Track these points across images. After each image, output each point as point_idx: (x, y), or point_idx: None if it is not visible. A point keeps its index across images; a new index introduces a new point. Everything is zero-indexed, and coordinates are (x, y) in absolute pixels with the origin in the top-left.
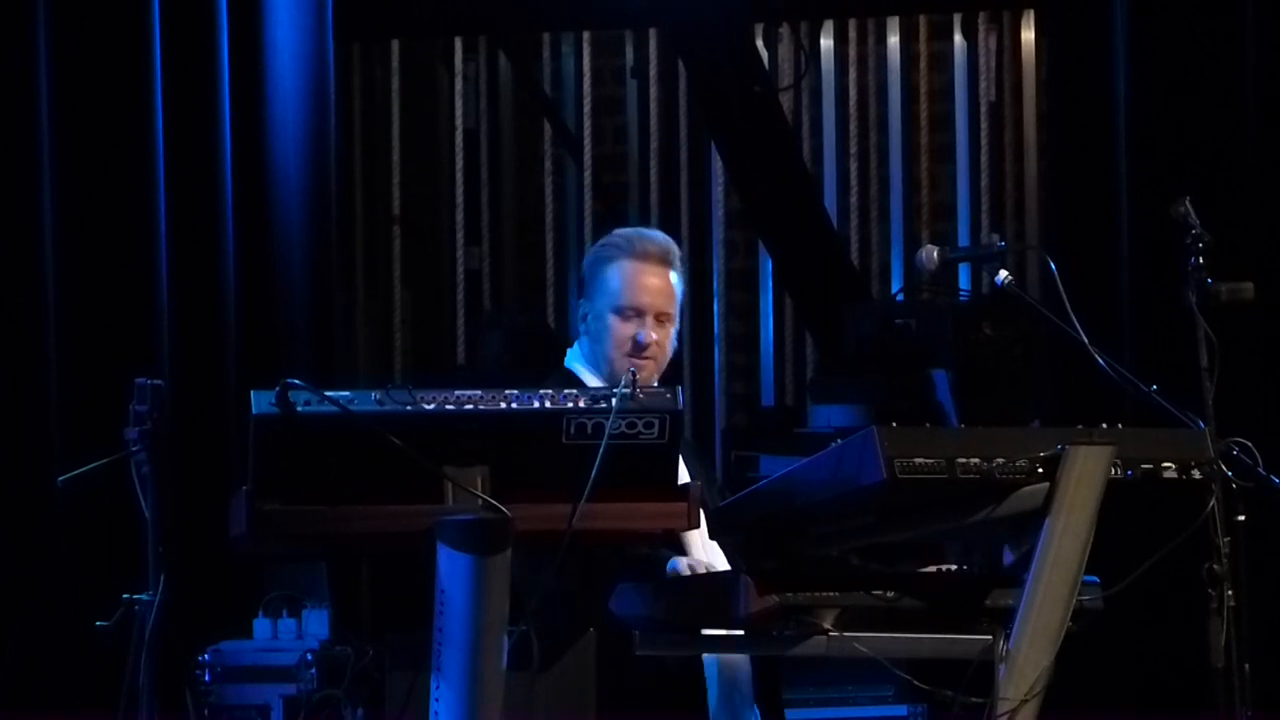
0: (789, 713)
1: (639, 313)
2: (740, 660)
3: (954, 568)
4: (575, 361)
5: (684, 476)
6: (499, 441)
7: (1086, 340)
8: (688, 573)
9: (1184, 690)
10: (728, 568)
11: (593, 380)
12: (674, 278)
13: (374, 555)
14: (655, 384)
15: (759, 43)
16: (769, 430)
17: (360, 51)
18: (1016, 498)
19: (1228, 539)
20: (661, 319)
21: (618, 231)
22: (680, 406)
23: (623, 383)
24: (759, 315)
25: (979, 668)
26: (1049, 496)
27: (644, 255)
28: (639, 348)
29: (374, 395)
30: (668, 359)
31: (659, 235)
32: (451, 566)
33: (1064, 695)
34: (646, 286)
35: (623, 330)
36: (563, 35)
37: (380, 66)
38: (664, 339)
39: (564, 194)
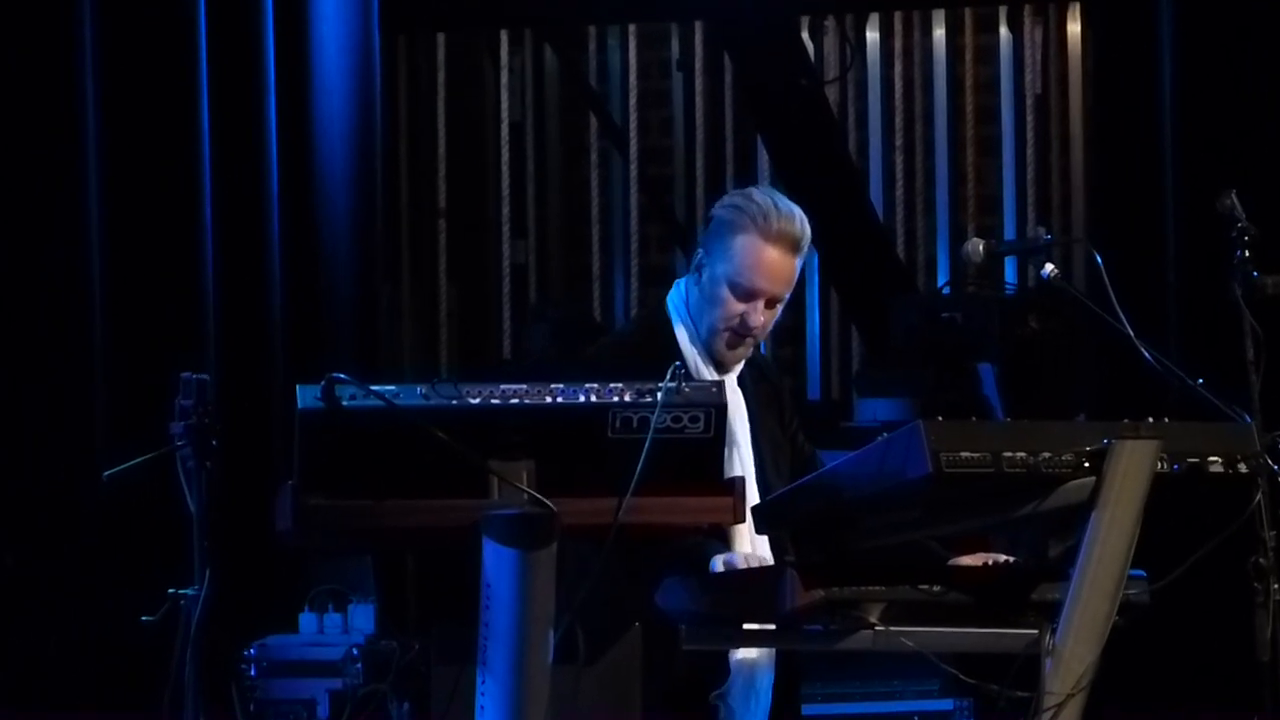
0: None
1: (755, 295)
2: (762, 658)
3: (1003, 558)
4: (678, 303)
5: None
6: (544, 435)
7: (1132, 333)
8: (723, 569)
9: (1229, 684)
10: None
11: (682, 334)
12: (799, 261)
13: (419, 550)
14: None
15: (804, 35)
16: (815, 424)
17: (406, 44)
18: (1062, 492)
19: (1274, 533)
20: (773, 302)
21: (755, 195)
22: (725, 400)
23: (668, 377)
24: (805, 309)
25: (1025, 662)
26: (1095, 490)
27: (777, 238)
28: (745, 328)
29: (419, 389)
30: (767, 333)
31: (796, 215)
32: (497, 561)
33: (1110, 690)
34: (769, 272)
35: (733, 307)
36: (609, 28)
37: (426, 59)
38: (769, 320)
39: (610, 187)
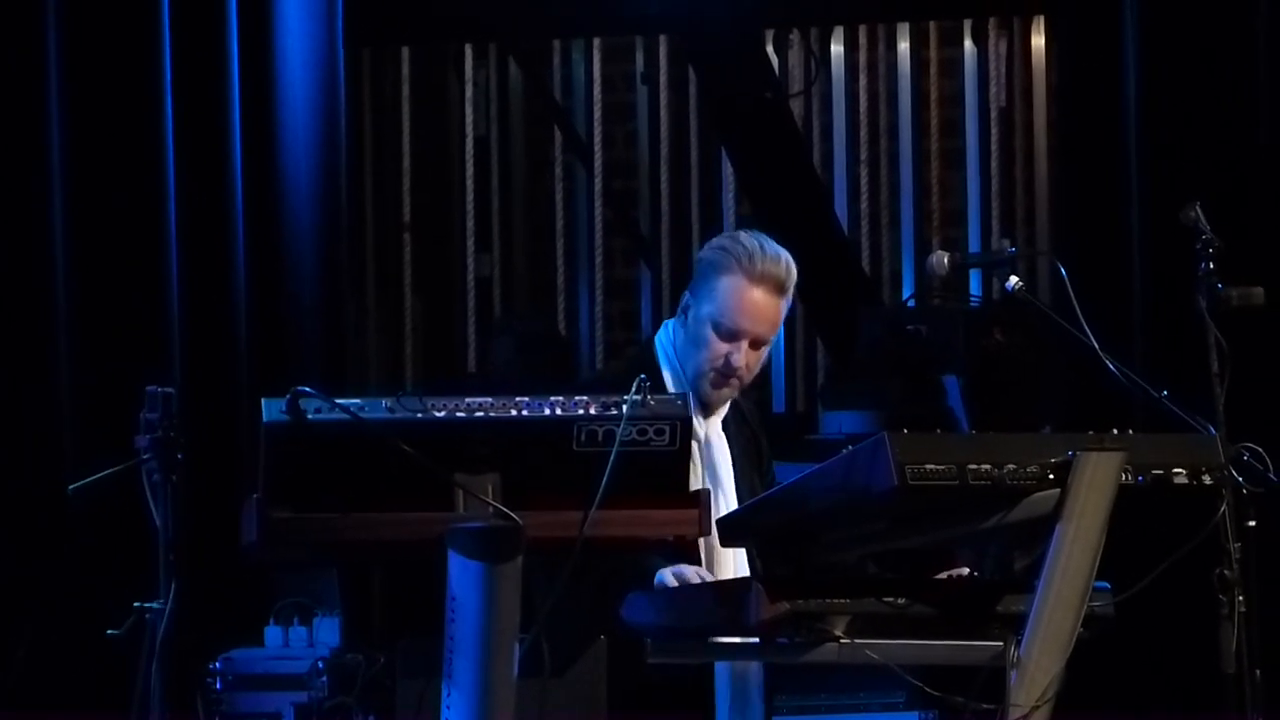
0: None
1: (738, 336)
2: (753, 664)
3: (966, 571)
4: (665, 345)
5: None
6: (510, 448)
7: (1097, 346)
8: (674, 583)
9: (1195, 696)
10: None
11: (668, 376)
12: (784, 304)
13: (385, 563)
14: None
15: (769, 49)
16: (780, 436)
17: (370, 58)
18: (1027, 504)
19: (1238, 544)
20: (758, 343)
21: (744, 239)
22: (690, 413)
23: (633, 390)
24: None
25: (990, 674)
26: (1060, 502)
27: (761, 279)
28: (729, 369)
29: (385, 403)
30: (754, 375)
31: (782, 258)
32: (463, 574)
33: (1075, 701)
34: (753, 313)
35: (717, 348)
36: (573, 42)
37: (390, 73)
38: (754, 362)
39: (574, 200)
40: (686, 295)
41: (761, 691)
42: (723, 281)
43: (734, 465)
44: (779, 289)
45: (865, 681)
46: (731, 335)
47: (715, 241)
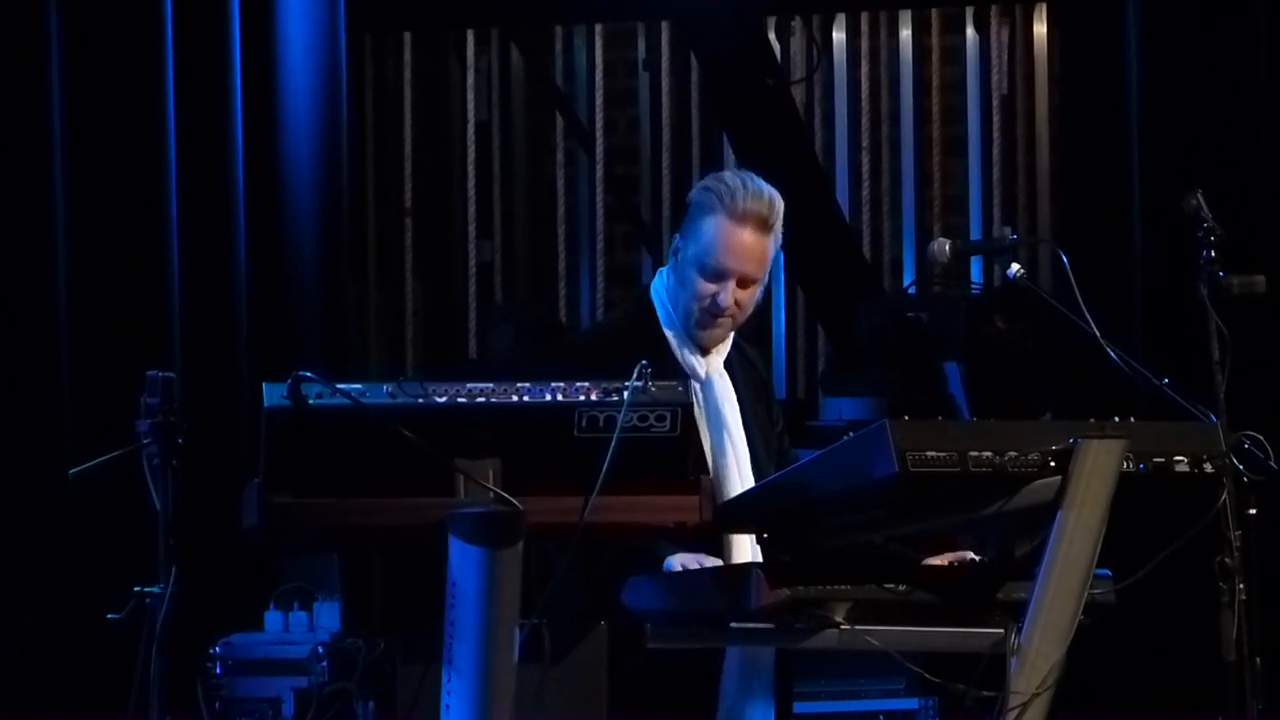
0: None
1: (724, 275)
2: (763, 651)
3: (971, 556)
4: (660, 292)
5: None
6: (511, 434)
7: (1098, 333)
8: (680, 569)
9: (1195, 684)
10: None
11: (663, 320)
12: (770, 240)
13: (385, 548)
14: (730, 340)
15: (771, 36)
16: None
17: (372, 44)
18: (1028, 491)
19: (1239, 533)
20: (746, 282)
21: (726, 177)
22: (691, 400)
23: (634, 376)
24: (771, 308)
25: (991, 661)
26: (1061, 490)
27: (743, 216)
28: (717, 308)
29: (386, 388)
30: (747, 315)
31: (764, 193)
32: (463, 559)
33: (1075, 689)
34: (737, 251)
35: (704, 288)
36: (575, 28)
37: (392, 59)
38: (745, 300)
39: (576, 186)
40: (676, 238)
41: (770, 678)
42: (707, 221)
43: (740, 404)
44: (764, 226)
45: (865, 668)
46: (717, 275)
47: (702, 182)
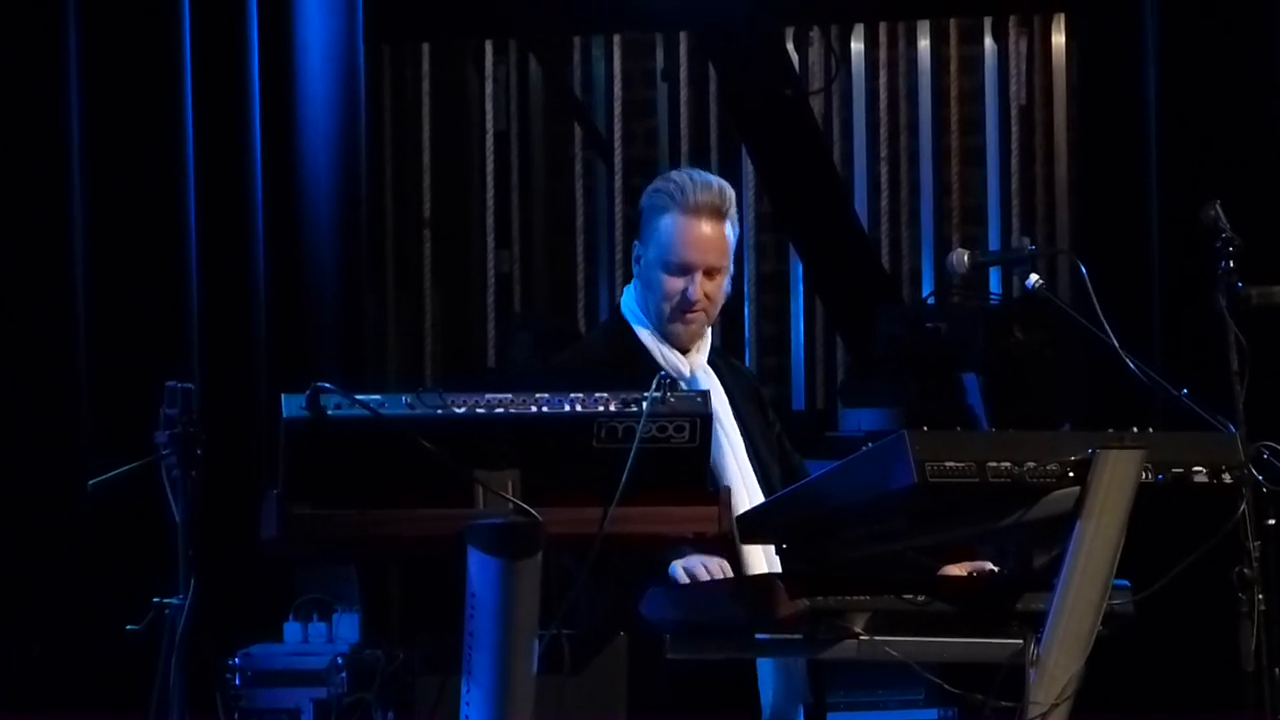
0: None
1: (688, 269)
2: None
3: (990, 566)
4: (630, 304)
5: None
6: (530, 445)
7: (1117, 344)
8: (685, 579)
9: (1214, 694)
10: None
11: (643, 330)
12: (727, 228)
13: (404, 559)
14: (708, 332)
15: (789, 46)
16: (800, 434)
17: (390, 54)
18: (1047, 502)
19: (1258, 543)
20: (712, 273)
21: (673, 175)
22: (711, 411)
23: (654, 386)
24: (790, 318)
25: (1010, 672)
26: (1080, 500)
27: (695, 209)
28: (687, 303)
29: (404, 398)
30: (719, 307)
31: (713, 183)
32: (482, 570)
33: (1094, 699)
34: (696, 244)
35: (672, 285)
36: (593, 38)
37: (411, 69)
38: (714, 291)
39: (594, 196)
40: (636, 245)
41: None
42: (662, 221)
43: (729, 399)
44: (718, 215)
45: (885, 678)
46: (682, 269)
47: (650, 186)
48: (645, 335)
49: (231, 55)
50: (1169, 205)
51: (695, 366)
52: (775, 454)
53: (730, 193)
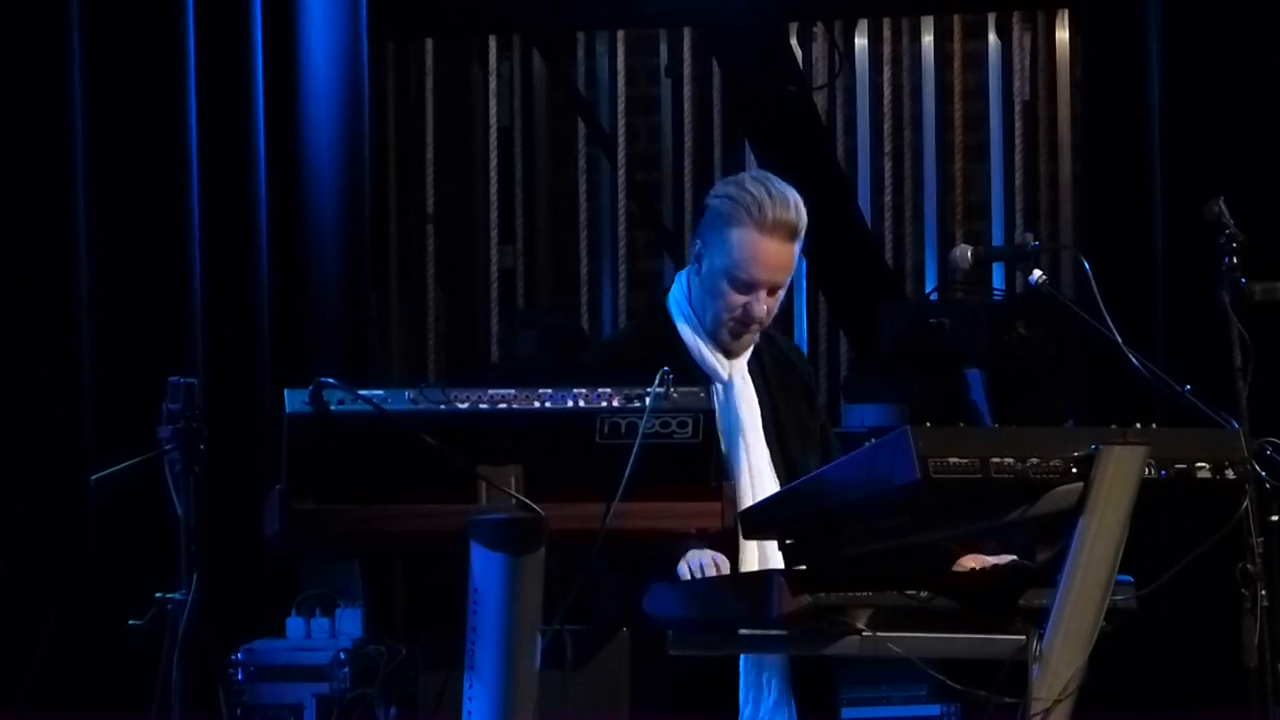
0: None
1: (755, 287)
2: (770, 661)
3: (993, 560)
4: (680, 297)
5: None
6: (533, 440)
7: (1120, 340)
8: (687, 575)
9: (1217, 690)
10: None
11: (684, 327)
12: (796, 248)
13: (407, 554)
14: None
15: (793, 42)
16: None
17: (395, 51)
18: (1050, 498)
19: (1261, 539)
20: (774, 289)
21: (749, 185)
22: (714, 406)
23: (656, 382)
24: (793, 314)
25: (1012, 668)
26: (1083, 496)
27: (773, 228)
28: (748, 318)
29: (408, 394)
30: (773, 316)
31: (790, 201)
32: (485, 566)
33: (1097, 695)
34: (768, 263)
35: (734, 299)
36: (597, 34)
37: (414, 66)
38: (773, 304)
39: (598, 193)
40: (698, 243)
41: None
42: (734, 234)
43: (768, 403)
44: (791, 235)
45: (887, 675)
46: (748, 287)
47: (721, 189)
48: (687, 332)
49: (235, 52)
50: (1173, 201)
51: (735, 371)
52: (815, 449)
53: (804, 211)
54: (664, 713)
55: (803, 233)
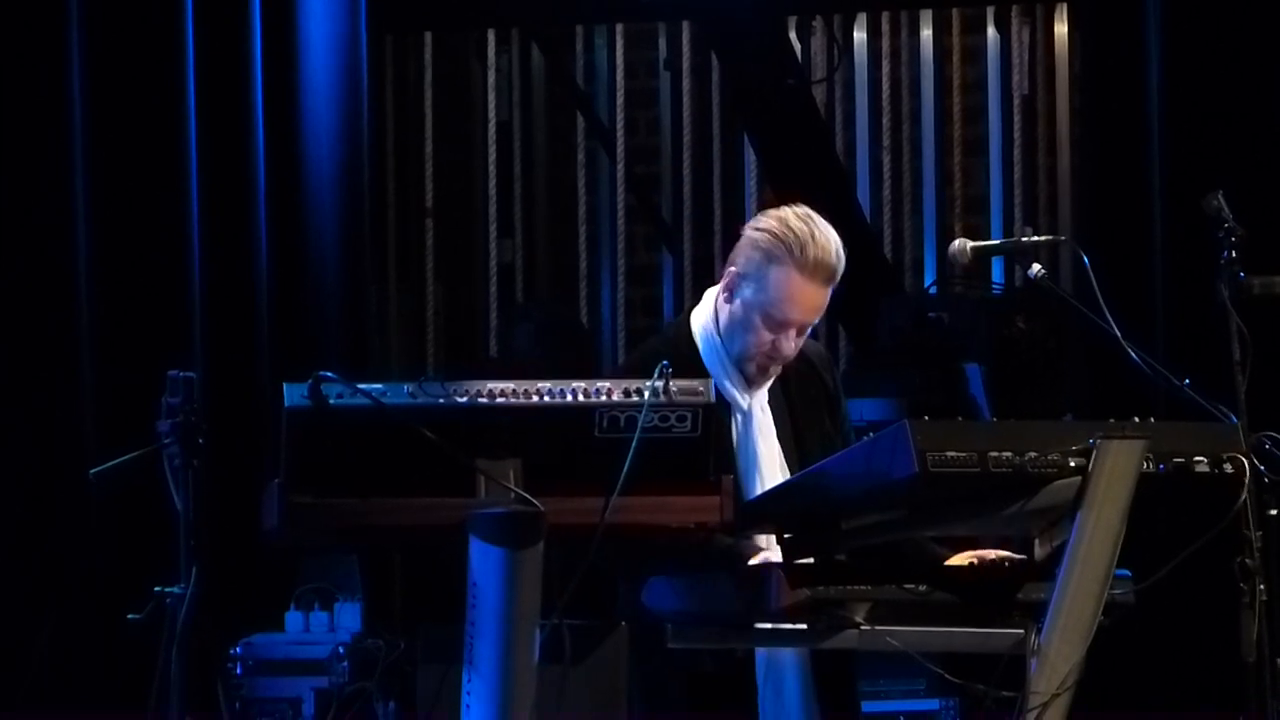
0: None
1: (787, 326)
2: (786, 658)
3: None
4: (704, 321)
5: None
6: (532, 434)
7: (1119, 334)
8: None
9: (1215, 685)
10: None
11: (708, 351)
12: (831, 290)
13: (406, 548)
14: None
15: (792, 35)
16: None
17: (393, 44)
18: (1048, 491)
19: (1259, 533)
20: (804, 330)
21: (794, 222)
22: (713, 399)
23: (655, 376)
24: None
25: (1011, 662)
26: (1081, 490)
27: (813, 272)
28: (777, 354)
29: (406, 388)
30: (796, 351)
31: (833, 245)
32: (484, 559)
33: (1095, 689)
34: (804, 306)
35: (764, 335)
36: (596, 28)
37: (413, 59)
38: (800, 343)
39: (597, 186)
40: (734, 272)
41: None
42: (774, 272)
43: (789, 426)
44: (829, 279)
45: (886, 668)
46: (780, 326)
47: (764, 223)
48: (709, 356)
49: (234, 46)
50: (1171, 195)
51: (754, 401)
52: None
53: (843, 255)
54: (679, 713)
55: (839, 278)
